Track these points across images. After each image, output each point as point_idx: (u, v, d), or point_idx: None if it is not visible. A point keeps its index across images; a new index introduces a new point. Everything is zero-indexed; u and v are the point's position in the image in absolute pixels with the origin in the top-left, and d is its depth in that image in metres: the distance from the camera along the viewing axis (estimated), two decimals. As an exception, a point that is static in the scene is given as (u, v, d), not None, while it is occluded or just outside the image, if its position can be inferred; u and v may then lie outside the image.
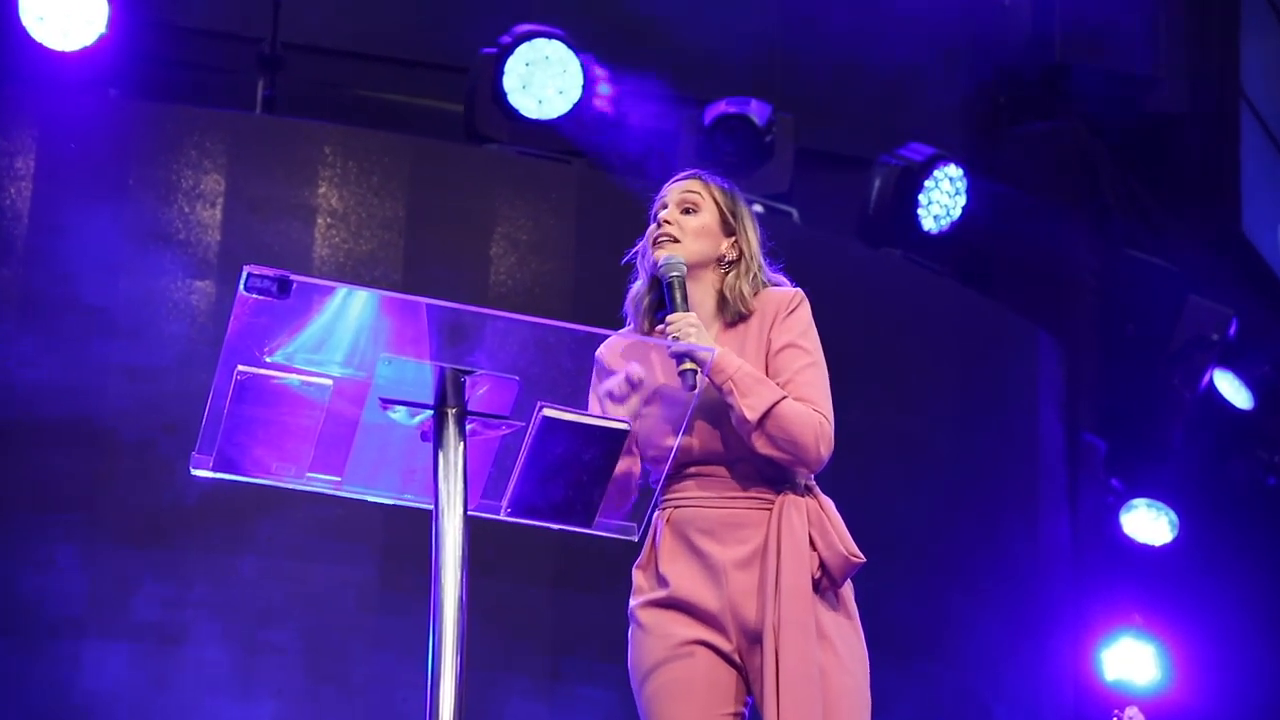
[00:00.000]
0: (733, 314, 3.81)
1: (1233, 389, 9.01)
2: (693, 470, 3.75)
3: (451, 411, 3.36)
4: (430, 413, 3.36)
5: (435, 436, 3.35)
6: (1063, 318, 8.56)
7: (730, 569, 3.71)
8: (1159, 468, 8.80)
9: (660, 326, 3.75)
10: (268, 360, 3.28)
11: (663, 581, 3.74)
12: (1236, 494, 9.21)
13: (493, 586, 6.57)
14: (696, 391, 3.58)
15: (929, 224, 8.02)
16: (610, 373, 3.73)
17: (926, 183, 7.98)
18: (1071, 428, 8.41)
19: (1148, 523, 8.84)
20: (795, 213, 7.90)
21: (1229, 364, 8.97)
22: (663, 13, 7.91)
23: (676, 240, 3.80)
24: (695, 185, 3.89)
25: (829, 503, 3.78)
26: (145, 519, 6.57)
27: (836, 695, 3.63)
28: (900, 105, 8.44)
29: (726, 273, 3.83)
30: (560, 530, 3.54)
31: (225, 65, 7.60)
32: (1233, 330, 8.74)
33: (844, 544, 3.71)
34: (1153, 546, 8.82)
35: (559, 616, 6.88)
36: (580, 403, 3.51)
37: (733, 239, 3.85)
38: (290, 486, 3.40)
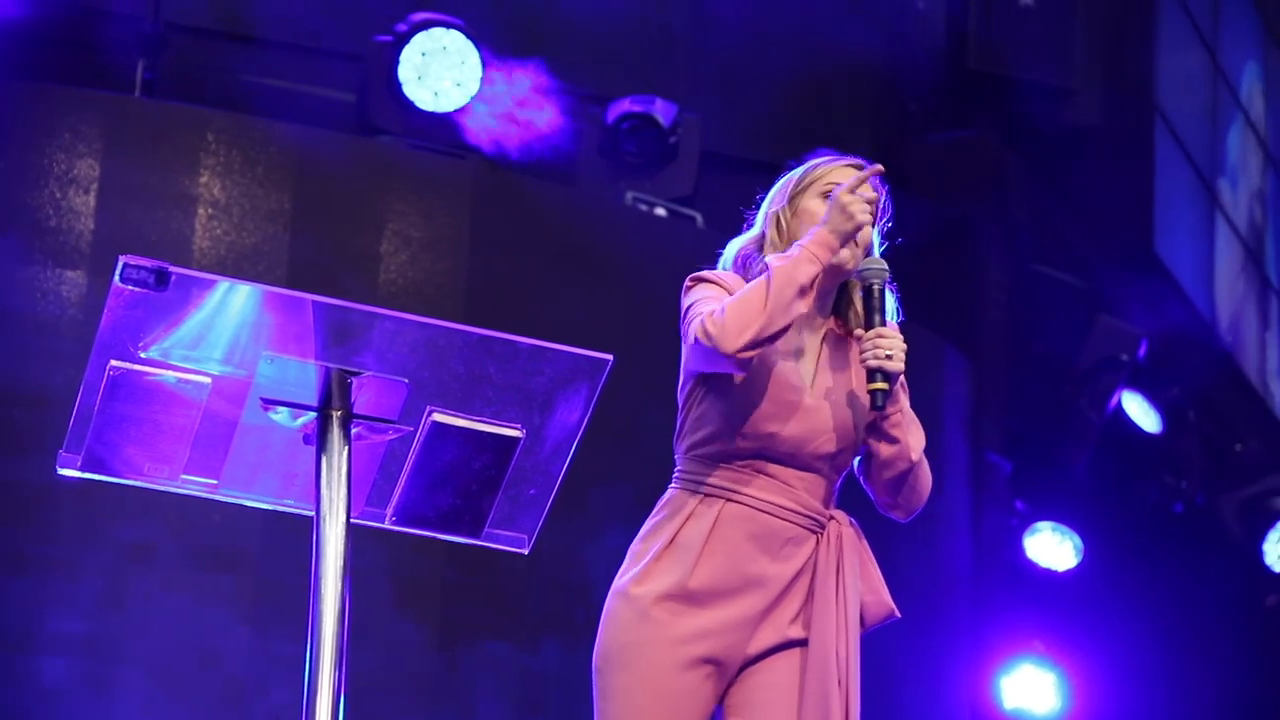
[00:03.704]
0: (829, 324, 3.63)
1: (1141, 412, 9.02)
2: (761, 466, 3.56)
3: (336, 414, 3.24)
4: (314, 415, 3.24)
5: (318, 440, 3.23)
6: (970, 333, 8.51)
7: (772, 584, 3.54)
8: (1064, 490, 8.78)
9: (857, 331, 3.59)
10: (142, 356, 3.17)
11: (695, 575, 3.54)
12: (1142, 520, 9.23)
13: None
14: (881, 412, 3.50)
15: (836, 233, 7.88)
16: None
17: (835, 190, 7.83)
18: (976, 447, 8.37)
19: (1051, 547, 8.82)
20: (699, 217, 7.80)
21: (1138, 386, 8.95)
22: (567, 6, 7.78)
23: (873, 225, 3.61)
24: (881, 197, 3.68)
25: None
26: (3, 518, 6.41)
27: None
28: (809, 109, 8.34)
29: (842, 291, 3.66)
30: (447, 540, 3.44)
31: (103, 44, 7.37)
32: (1142, 351, 8.73)
33: (886, 594, 3.58)
34: (1056, 571, 8.82)
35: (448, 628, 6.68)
36: (471, 408, 3.36)
37: None
38: (163, 489, 3.29)
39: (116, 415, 3.18)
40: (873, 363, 3.46)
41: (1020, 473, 8.71)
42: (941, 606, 8.19)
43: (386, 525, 3.39)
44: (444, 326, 3.28)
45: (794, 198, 3.71)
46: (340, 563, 3.16)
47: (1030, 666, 8.59)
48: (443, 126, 7.16)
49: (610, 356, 3.53)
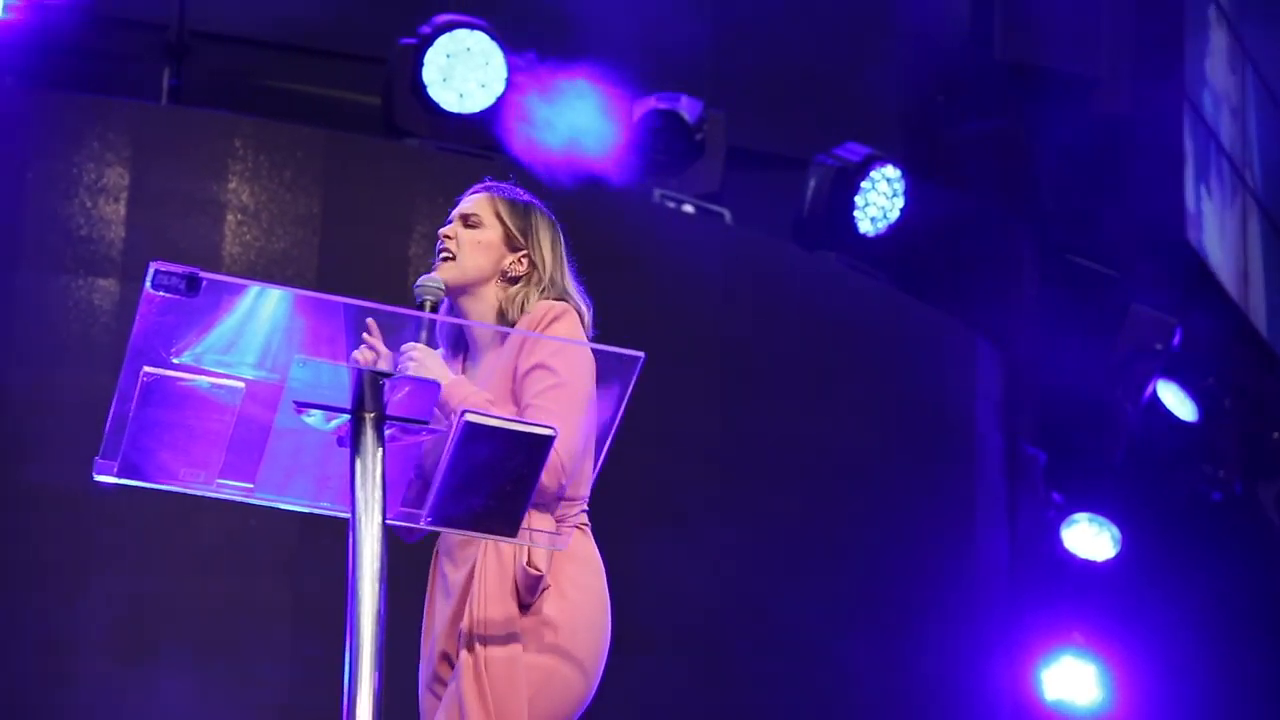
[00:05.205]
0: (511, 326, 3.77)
1: (1176, 401, 8.96)
2: None
3: (369, 416, 3.25)
4: (347, 417, 3.25)
5: (352, 442, 3.24)
6: (1003, 325, 8.46)
7: (455, 588, 3.68)
8: (1101, 481, 8.73)
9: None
10: (175, 361, 3.19)
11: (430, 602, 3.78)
12: (1180, 509, 9.17)
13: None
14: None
15: (865, 226, 7.92)
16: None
17: (863, 184, 7.90)
18: (1011, 439, 8.33)
19: (1089, 538, 8.77)
20: (727, 213, 7.77)
21: (1173, 375, 8.89)
22: (590, 5, 7.76)
23: (453, 258, 3.79)
24: (479, 201, 3.88)
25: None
26: (47, 533, 6.41)
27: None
28: (836, 104, 8.35)
29: (510, 286, 3.78)
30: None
31: (129, 53, 7.39)
32: (1176, 340, 8.68)
33: (528, 558, 3.59)
34: (1094, 562, 8.76)
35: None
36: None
37: (520, 254, 3.80)
38: (199, 494, 3.30)
39: (150, 421, 3.19)
40: (402, 378, 3.52)
41: (1056, 464, 8.65)
42: (979, 599, 8.15)
43: (422, 526, 3.40)
44: (476, 327, 3.29)
45: None
46: (377, 564, 3.17)
47: (1071, 658, 8.52)
48: (469, 128, 7.15)
49: (642, 354, 3.51)
